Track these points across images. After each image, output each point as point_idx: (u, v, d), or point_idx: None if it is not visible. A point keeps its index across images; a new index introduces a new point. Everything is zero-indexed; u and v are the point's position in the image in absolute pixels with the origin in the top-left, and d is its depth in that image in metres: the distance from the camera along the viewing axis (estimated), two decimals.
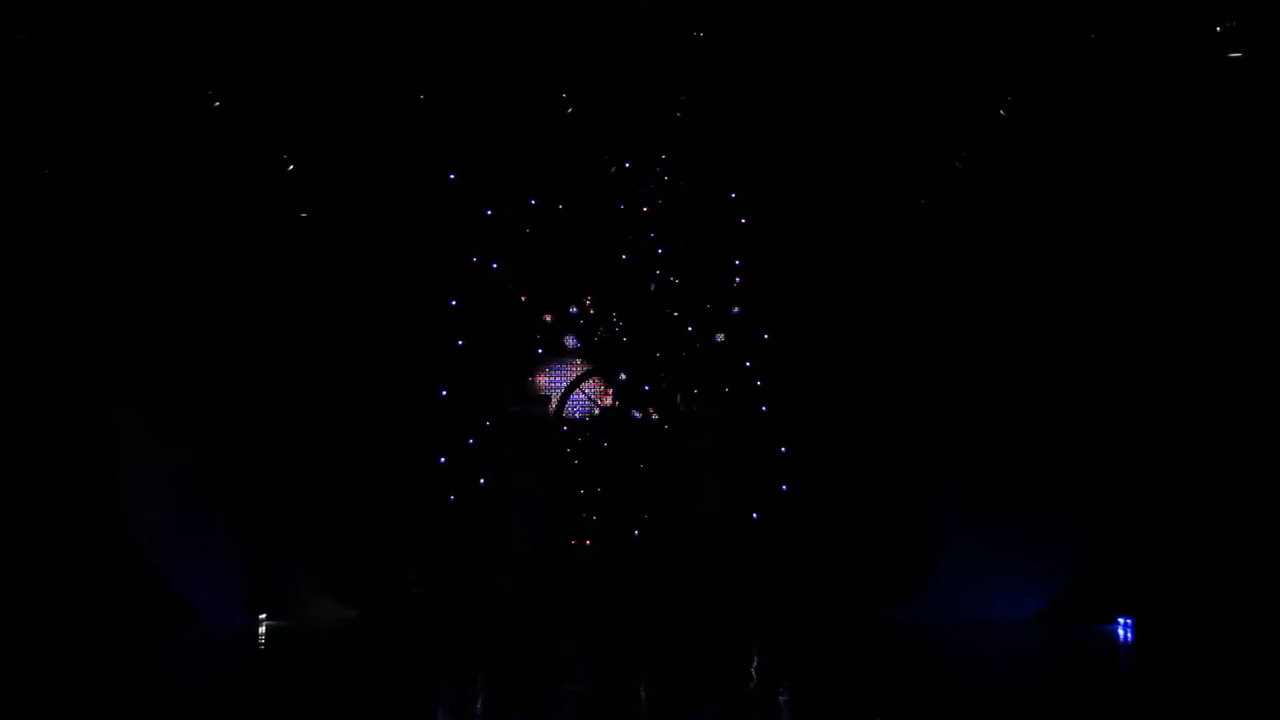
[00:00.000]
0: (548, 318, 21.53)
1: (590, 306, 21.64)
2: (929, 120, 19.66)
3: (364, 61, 19.03)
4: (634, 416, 21.79)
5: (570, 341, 21.64)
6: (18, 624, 17.48)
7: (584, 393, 21.81)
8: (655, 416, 21.62)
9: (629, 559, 21.08)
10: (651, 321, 21.50)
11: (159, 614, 18.75)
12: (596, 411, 21.76)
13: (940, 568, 19.47)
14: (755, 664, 16.24)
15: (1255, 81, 17.41)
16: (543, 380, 21.68)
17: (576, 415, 21.77)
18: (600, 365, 21.76)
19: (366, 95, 19.44)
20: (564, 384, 21.66)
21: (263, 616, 18.88)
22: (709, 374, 21.42)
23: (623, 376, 21.78)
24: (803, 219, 20.74)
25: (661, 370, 21.64)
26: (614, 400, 21.90)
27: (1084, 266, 19.34)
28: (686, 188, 21.21)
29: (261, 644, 17.21)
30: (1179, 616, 17.69)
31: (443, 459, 21.02)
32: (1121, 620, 18.33)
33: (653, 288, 21.49)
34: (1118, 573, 18.61)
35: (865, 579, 20.58)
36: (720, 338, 21.44)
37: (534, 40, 19.64)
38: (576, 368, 21.79)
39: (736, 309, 21.39)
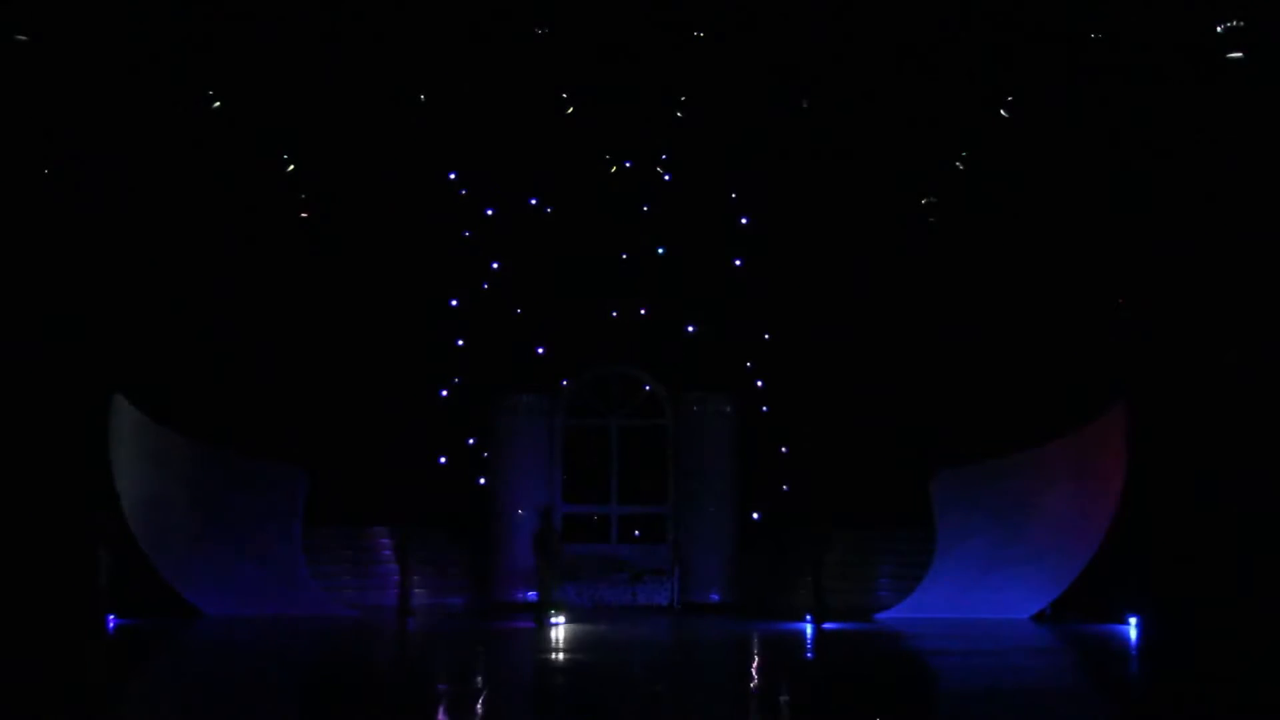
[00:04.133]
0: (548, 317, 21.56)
1: (592, 305, 21.63)
2: (930, 120, 19.66)
3: (364, 61, 19.07)
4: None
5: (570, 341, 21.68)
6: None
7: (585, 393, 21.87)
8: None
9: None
10: (653, 321, 21.49)
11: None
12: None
13: (940, 568, 19.43)
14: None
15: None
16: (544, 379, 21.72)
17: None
18: (601, 364, 21.79)
19: (366, 94, 19.49)
20: (565, 383, 21.70)
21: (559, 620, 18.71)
22: (709, 373, 21.42)
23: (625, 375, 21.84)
24: (803, 219, 20.75)
25: (662, 369, 21.67)
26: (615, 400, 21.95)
27: (1086, 268, 19.33)
28: (686, 187, 21.18)
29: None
30: (1180, 616, 17.67)
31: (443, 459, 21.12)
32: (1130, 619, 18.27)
33: (653, 287, 21.50)
34: (1119, 572, 18.58)
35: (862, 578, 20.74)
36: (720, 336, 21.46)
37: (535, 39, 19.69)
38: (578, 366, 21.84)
39: (736, 308, 21.38)
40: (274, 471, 19.98)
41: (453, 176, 20.83)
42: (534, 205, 21.21)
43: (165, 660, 16.45)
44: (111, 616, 18.28)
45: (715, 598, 20.83)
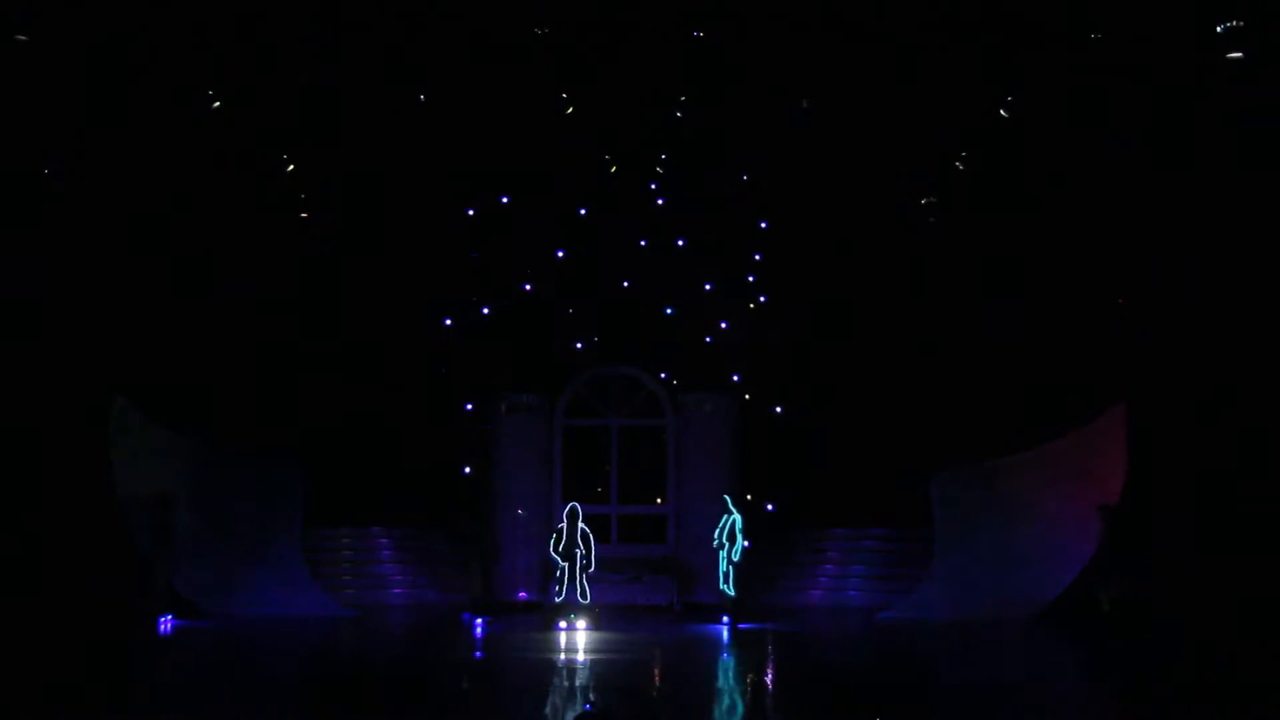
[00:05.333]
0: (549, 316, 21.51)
1: (592, 305, 21.59)
2: (930, 120, 19.63)
3: (364, 60, 19.06)
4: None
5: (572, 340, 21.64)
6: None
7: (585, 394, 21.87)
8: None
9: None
10: (653, 321, 21.47)
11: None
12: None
13: (940, 567, 19.45)
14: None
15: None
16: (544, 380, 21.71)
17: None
18: (601, 364, 21.76)
19: (367, 93, 19.48)
20: (566, 382, 21.69)
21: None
22: (709, 373, 21.40)
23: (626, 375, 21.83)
24: (803, 218, 20.74)
25: (662, 369, 21.64)
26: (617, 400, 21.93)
27: (1085, 268, 19.32)
28: (686, 187, 21.12)
29: None
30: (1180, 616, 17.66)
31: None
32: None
33: (654, 287, 21.46)
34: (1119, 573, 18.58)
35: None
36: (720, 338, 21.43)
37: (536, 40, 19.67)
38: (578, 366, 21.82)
39: (736, 308, 21.36)
40: (274, 471, 20.01)
41: (453, 176, 20.78)
42: (534, 205, 21.17)
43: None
44: (170, 617, 18.36)
45: (715, 598, 20.76)
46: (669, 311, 21.30)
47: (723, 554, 19.26)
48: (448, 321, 21.30)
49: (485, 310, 21.31)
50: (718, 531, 19.34)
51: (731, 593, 19.06)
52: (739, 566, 20.91)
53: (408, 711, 12.84)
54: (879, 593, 20.70)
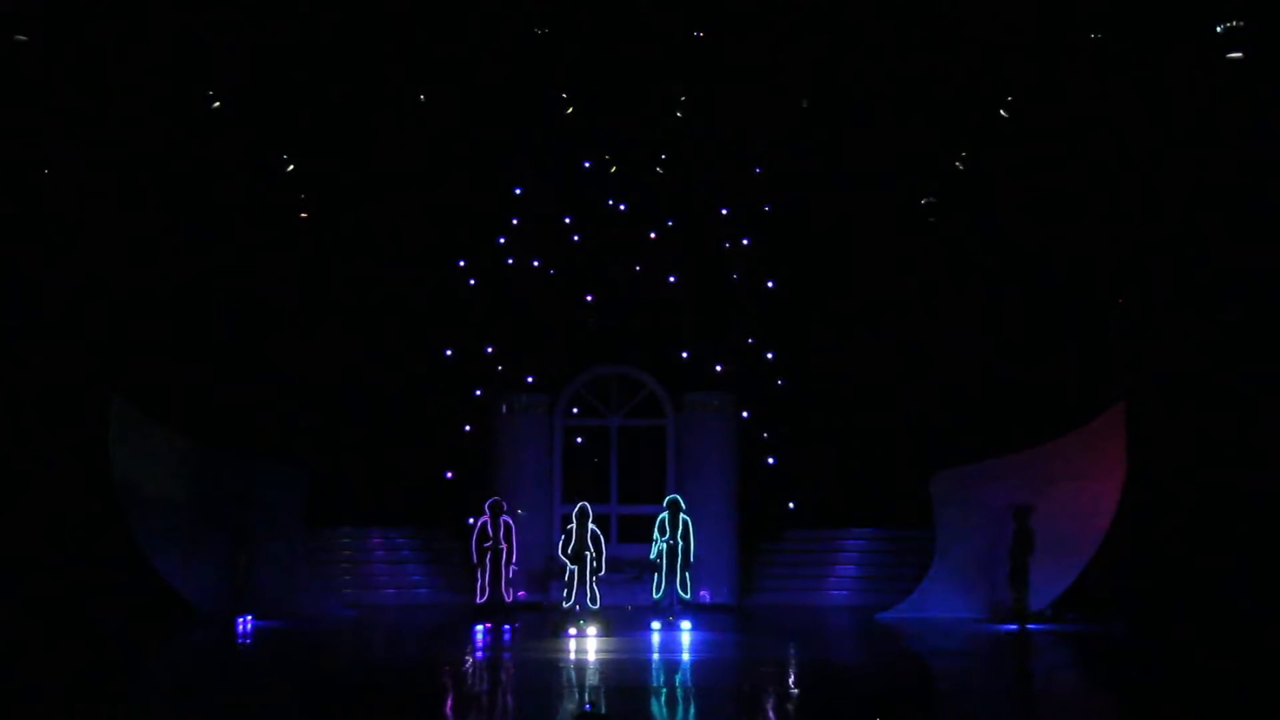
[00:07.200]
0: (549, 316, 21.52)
1: (592, 306, 21.59)
2: (930, 120, 19.66)
3: (364, 59, 19.08)
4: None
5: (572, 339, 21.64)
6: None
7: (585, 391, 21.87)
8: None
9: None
10: (652, 321, 21.47)
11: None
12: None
13: (940, 568, 19.46)
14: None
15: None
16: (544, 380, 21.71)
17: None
18: (601, 364, 21.77)
19: (367, 93, 19.51)
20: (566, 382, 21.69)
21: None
22: (709, 374, 21.40)
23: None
24: (803, 218, 20.76)
25: (662, 369, 21.64)
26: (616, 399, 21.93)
27: (1086, 268, 19.34)
28: (687, 187, 21.13)
29: None
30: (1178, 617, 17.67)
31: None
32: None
33: (655, 287, 21.46)
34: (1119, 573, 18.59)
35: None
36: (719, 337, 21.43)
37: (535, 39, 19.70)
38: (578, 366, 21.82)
39: (736, 308, 21.36)
40: (275, 471, 20.00)
41: (453, 177, 20.80)
42: (535, 205, 21.19)
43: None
44: (250, 617, 18.31)
45: (714, 599, 20.76)
46: (669, 312, 21.29)
47: (674, 554, 18.38)
48: (449, 321, 21.30)
49: (485, 310, 21.31)
50: (669, 531, 18.44)
51: (687, 596, 18.62)
52: (737, 567, 21.00)
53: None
54: (878, 593, 20.70)
